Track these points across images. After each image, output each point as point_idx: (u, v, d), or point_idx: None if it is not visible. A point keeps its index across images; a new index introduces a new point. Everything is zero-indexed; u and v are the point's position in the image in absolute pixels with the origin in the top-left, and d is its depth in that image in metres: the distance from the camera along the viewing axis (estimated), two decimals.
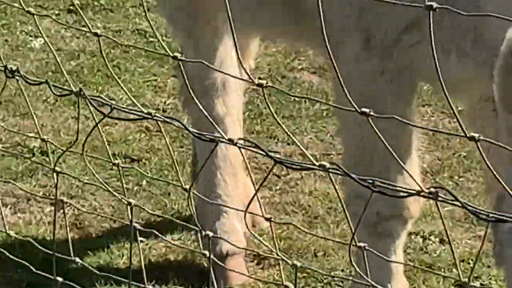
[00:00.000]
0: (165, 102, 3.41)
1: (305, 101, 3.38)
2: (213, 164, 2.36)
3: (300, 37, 2.12)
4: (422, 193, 0.64)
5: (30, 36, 3.99)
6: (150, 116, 1.01)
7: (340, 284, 2.35)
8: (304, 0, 1.86)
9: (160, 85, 3.58)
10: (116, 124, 3.13)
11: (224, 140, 0.89)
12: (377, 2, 1.51)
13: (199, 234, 1.31)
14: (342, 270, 2.42)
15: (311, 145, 3.15)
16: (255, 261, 2.49)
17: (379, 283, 1.06)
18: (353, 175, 0.74)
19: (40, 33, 3.09)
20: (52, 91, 1.31)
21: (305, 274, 2.31)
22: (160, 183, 2.82)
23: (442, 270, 2.50)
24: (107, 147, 1.73)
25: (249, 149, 0.97)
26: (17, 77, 1.23)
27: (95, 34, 1.11)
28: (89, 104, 1.11)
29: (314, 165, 0.77)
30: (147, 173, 2.77)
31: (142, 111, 1.03)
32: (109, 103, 1.16)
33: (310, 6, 1.73)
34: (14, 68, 1.21)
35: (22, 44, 3.94)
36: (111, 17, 4.02)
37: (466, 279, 0.80)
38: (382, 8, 1.55)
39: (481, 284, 2.43)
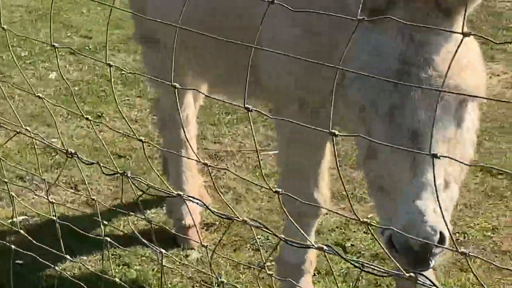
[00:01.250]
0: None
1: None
2: (180, 170, 3.20)
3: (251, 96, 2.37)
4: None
5: (48, 70, 5.46)
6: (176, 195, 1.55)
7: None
8: (259, 73, 2.14)
9: (131, 104, 4.89)
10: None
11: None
12: (309, 77, 1.93)
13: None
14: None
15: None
16: (205, 228, 3.42)
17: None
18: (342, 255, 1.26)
19: (58, 67, 4.61)
20: (102, 171, 1.64)
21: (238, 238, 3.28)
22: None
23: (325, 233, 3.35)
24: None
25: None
26: (75, 158, 1.63)
27: (108, 64, 1.52)
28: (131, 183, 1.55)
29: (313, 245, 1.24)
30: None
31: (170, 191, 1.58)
32: (147, 183, 1.58)
33: (264, 79, 2.20)
34: (73, 151, 1.62)
35: (43, 75, 5.36)
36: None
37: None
38: (313, 80, 1.84)
39: (351, 244, 3.26)
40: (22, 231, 2.27)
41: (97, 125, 4.23)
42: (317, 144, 2.30)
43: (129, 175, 1.52)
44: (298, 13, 1.57)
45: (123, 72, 4.80)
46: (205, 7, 2.27)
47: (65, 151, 1.70)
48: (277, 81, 2.19)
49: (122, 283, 2.05)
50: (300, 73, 1.97)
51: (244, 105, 1.21)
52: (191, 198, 1.60)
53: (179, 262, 2.96)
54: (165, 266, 2.30)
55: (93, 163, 1.59)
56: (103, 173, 1.67)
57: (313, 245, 1.29)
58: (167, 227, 3.14)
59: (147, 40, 2.97)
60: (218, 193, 2.54)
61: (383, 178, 1.62)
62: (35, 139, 2.36)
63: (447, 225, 1.26)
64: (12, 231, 2.56)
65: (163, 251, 1.76)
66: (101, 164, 1.56)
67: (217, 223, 3.37)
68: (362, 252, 3.18)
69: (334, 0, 1.89)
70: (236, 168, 3.97)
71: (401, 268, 1.17)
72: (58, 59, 2.83)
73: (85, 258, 3.15)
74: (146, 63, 3.23)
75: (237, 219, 1.34)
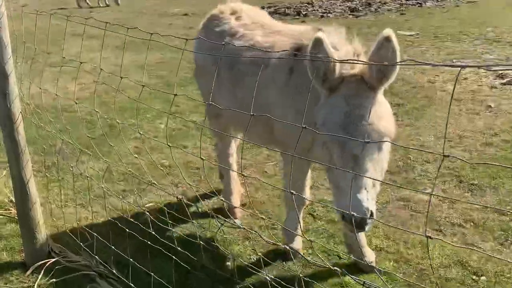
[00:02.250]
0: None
1: None
2: (229, 178, 4.77)
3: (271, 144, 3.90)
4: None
5: None
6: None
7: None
8: (273, 131, 3.58)
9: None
10: None
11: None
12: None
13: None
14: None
15: None
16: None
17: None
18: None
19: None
20: None
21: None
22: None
23: None
24: None
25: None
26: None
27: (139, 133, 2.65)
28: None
29: None
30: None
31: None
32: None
33: (278, 135, 3.58)
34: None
35: None
36: None
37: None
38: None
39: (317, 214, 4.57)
40: None
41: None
42: (307, 167, 3.69)
43: None
44: (289, 101, 3.32)
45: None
46: (245, 103, 3.38)
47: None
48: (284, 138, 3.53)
49: None
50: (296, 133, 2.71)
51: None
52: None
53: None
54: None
55: None
56: None
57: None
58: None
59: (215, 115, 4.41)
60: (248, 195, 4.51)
61: (338, 181, 2.68)
62: None
63: (374, 207, 2.59)
64: None
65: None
66: None
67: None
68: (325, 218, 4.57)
69: (306, 81, 2.94)
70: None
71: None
72: None
73: None
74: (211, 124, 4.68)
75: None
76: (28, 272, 3.79)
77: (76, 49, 11.32)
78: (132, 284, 3.39)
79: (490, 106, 7.23)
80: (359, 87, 2.68)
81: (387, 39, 2.51)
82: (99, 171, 5.45)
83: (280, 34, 3.67)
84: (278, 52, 3.14)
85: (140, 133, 3.12)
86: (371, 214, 2.51)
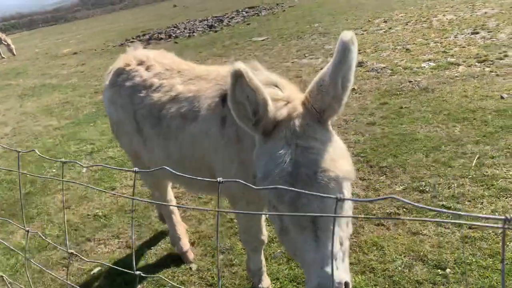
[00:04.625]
0: None
1: None
2: (172, 224, 3.39)
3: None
4: None
5: None
6: None
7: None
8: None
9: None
10: None
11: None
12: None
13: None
14: None
15: None
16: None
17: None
18: None
19: None
20: None
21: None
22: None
23: None
24: None
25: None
26: None
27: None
28: None
29: None
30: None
31: None
32: None
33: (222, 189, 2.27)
34: None
35: None
36: None
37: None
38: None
39: None
40: None
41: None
42: (259, 217, 2.49)
43: None
44: (228, 153, 2.07)
45: None
46: (180, 158, 2.39)
47: None
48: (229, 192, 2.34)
49: None
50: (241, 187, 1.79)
51: None
52: None
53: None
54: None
55: None
56: None
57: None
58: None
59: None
60: None
61: (295, 249, 1.48)
62: None
63: (348, 275, 1.42)
64: None
65: None
66: None
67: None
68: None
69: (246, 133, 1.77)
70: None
71: None
72: None
73: None
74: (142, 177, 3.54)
75: None
76: None
77: None
78: None
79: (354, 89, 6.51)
80: (303, 123, 1.50)
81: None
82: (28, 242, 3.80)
83: (202, 80, 2.40)
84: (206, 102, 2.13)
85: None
86: (346, 284, 1.37)
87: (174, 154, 2.43)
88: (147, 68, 2.66)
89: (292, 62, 8.86)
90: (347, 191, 1.51)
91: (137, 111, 2.55)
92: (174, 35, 17.41)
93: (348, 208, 1.54)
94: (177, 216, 3.40)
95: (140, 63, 2.73)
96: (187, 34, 16.99)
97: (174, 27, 20.31)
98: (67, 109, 8.68)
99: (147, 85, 2.56)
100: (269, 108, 1.50)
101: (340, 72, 1.42)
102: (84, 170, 5.34)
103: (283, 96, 1.67)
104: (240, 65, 1.39)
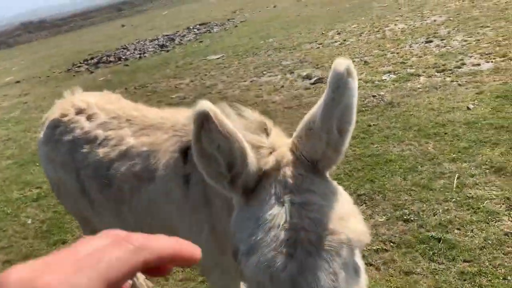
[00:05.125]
0: None
1: None
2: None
3: None
4: None
5: None
6: None
7: None
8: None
9: None
10: None
11: None
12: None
13: None
14: None
15: None
16: None
17: None
18: None
19: None
20: None
21: None
22: None
23: None
24: None
25: None
26: None
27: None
28: None
29: None
30: None
31: None
32: None
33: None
34: None
35: None
36: None
37: None
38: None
39: None
40: None
41: None
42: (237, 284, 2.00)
43: None
44: (202, 219, 1.66)
45: None
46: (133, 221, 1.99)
47: None
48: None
49: None
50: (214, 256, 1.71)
51: None
52: None
53: None
54: None
55: None
56: None
57: None
58: None
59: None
60: None
61: None
62: None
63: None
64: None
65: None
66: None
67: None
68: None
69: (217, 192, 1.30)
70: None
71: None
72: None
73: None
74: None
75: None
76: None
77: None
78: None
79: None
80: (296, 173, 1.11)
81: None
82: None
83: (157, 130, 1.99)
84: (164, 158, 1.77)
85: None
86: None
87: (129, 220, 2.01)
88: (89, 118, 2.22)
89: (251, 81, 8.57)
90: (359, 260, 1.08)
91: (81, 171, 2.11)
92: (124, 57, 16.73)
93: (363, 279, 1.09)
94: (140, 281, 2.95)
95: (80, 111, 2.28)
96: (138, 55, 16.38)
97: (124, 48, 19.58)
98: (9, 147, 7.91)
99: (90, 139, 2.12)
100: (249, 158, 1.10)
101: (334, 113, 1.04)
102: (29, 221, 4.72)
103: (267, 143, 1.24)
104: (206, 105, 0.99)
